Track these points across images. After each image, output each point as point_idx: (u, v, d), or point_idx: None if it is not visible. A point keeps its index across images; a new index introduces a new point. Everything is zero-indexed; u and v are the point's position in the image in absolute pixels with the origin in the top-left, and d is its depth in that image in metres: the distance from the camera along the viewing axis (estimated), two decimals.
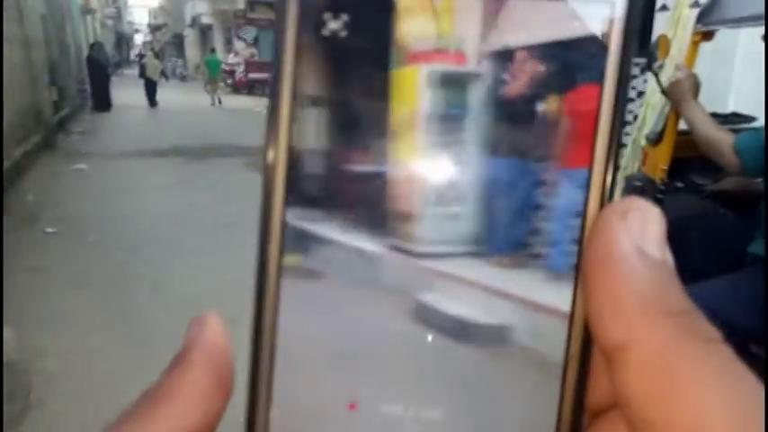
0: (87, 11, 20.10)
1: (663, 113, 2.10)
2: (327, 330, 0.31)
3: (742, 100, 4.11)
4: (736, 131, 2.17)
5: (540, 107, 0.51)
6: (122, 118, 12.54)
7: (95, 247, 4.13)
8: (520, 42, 0.48)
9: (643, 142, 2.38)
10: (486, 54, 0.61)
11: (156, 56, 18.57)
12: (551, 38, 0.45)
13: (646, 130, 4.84)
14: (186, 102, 17.47)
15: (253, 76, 20.49)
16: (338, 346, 0.36)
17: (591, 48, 0.32)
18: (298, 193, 0.32)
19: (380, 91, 0.39)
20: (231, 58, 22.68)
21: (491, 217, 0.68)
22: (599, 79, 0.29)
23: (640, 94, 5.62)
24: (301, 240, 0.37)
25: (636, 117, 5.20)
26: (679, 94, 1.87)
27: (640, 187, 2.09)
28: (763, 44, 1.78)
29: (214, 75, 17.65)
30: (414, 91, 0.82)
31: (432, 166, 0.50)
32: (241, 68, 21.25)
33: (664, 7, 4.79)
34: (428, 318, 0.78)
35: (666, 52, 2.08)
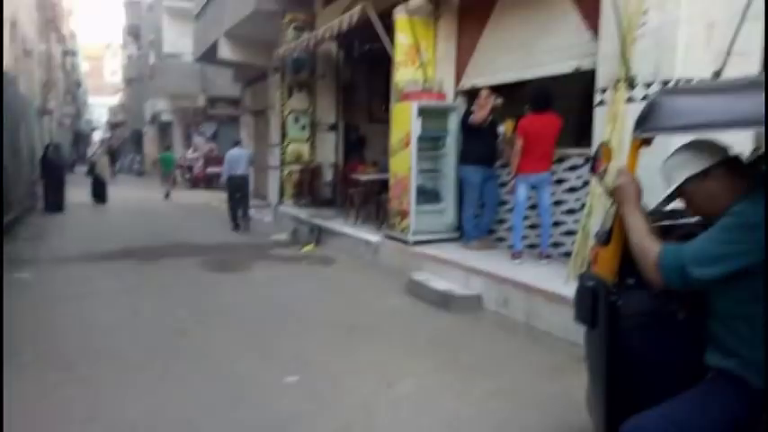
0: (44, 112, 20.10)
1: (609, 213, 2.10)
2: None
3: None
4: (672, 228, 2.19)
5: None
6: (74, 219, 12.21)
7: (28, 368, 3.80)
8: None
9: (592, 241, 2.38)
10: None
11: (108, 154, 19.20)
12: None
13: (593, 220, 4.91)
14: (142, 197, 17.42)
15: (211, 170, 20.57)
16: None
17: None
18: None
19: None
20: (190, 153, 22.81)
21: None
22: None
23: (585, 183, 5.83)
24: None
25: (583, 205, 5.38)
26: (620, 199, 1.88)
27: (592, 288, 2.06)
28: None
29: (168, 170, 18.63)
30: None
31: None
32: (200, 163, 21.34)
33: (601, 102, 5.04)
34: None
35: (609, 159, 2.12)
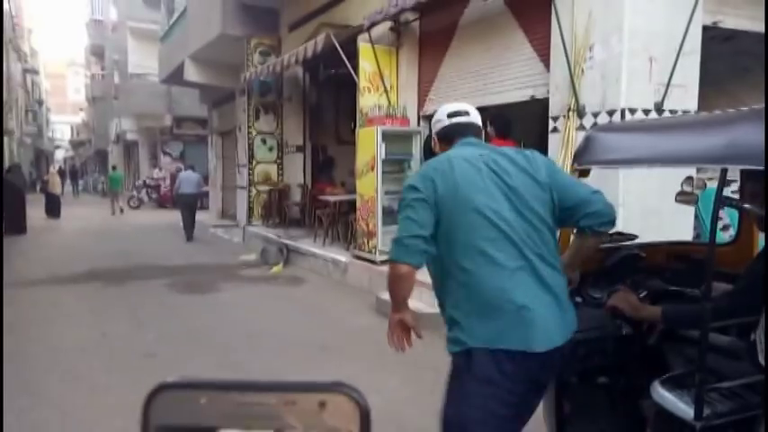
0: (5, 132, 19.70)
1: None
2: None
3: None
4: (618, 249, 2.41)
5: None
6: (37, 241, 12.03)
7: None
8: None
9: None
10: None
11: (60, 173, 21.68)
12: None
13: None
14: (106, 217, 17.37)
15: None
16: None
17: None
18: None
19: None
20: (156, 173, 22.62)
21: None
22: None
23: None
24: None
25: None
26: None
27: None
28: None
29: (115, 188, 19.69)
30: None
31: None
32: (167, 182, 21.17)
33: (555, 129, 5.37)
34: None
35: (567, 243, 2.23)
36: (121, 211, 18.76)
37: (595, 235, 1.97)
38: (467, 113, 2.11)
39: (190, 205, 11.93)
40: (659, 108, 4.88)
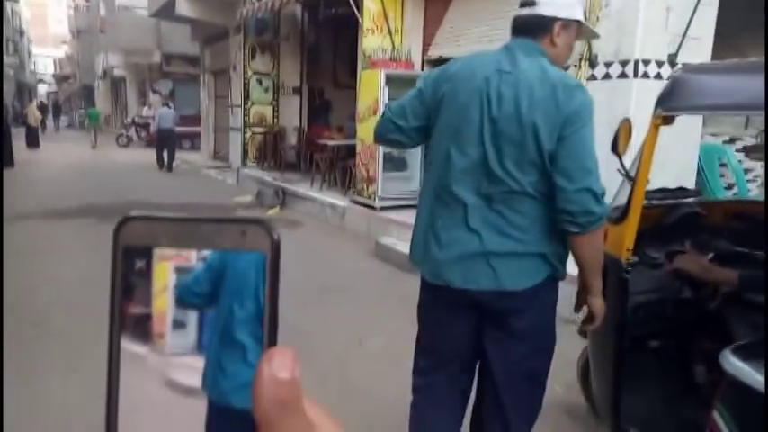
0: None
1: (624, 188, 2.08)
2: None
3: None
4: (677, 206, 2.27)
5: None
6: (26, 175, 11.83)
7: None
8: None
9: None
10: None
11: (41, 108, 23.77)
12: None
13: None
14: (89, 151, 18.17)
15: None
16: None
17: None
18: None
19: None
20: (146, 111, 22.13)
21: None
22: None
23: None
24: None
25: None
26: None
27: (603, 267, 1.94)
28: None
29: (93, 123, 21.17)
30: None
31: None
32: (156, 121, 20.73)
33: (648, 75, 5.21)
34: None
35: (629, 138, 2.02)
36: (93, 146, 19.78)
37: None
38: (530, 4, 1.70)
39: (168, 138, 13.65)
40: (673, 60, 4.81)
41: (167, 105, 14.49)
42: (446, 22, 7.01)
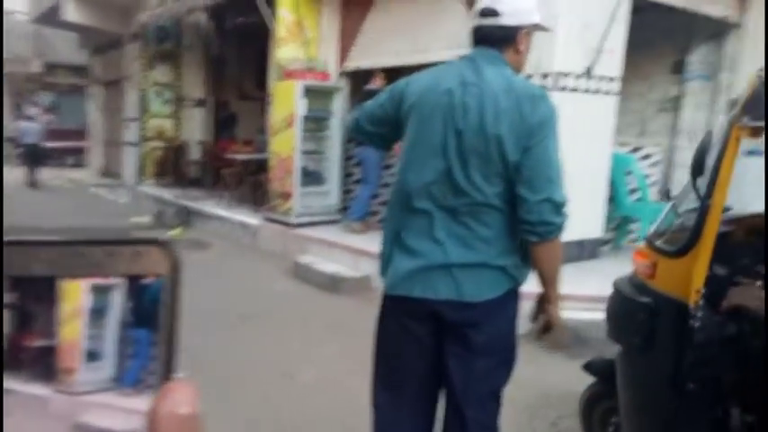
0: None
1: (679, 212, 1.76)
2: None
3: None
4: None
5: None
6: None
7: None
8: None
9: (639, 243, 2.06)
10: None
11: None
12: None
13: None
14: None
15: (50, 145, 18.36)
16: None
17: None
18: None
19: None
20: (23, 125, 20.12)
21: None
22: None
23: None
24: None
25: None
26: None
27: (649, 305, 1.73)
28: None
29: None
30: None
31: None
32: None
33: None
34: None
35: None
36: None
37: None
38: (493, 14, 1.65)
39: (33, 153, 13.11)
40: (589, 73, 4.93)
41: (30, 119, 14.04)
42: (364, 34, 6.84)
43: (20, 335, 0.30)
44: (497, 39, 1.66)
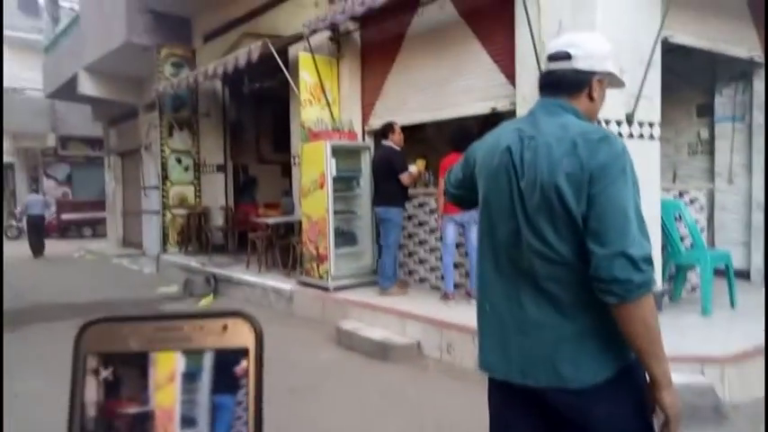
0: None
1: None
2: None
3: None
4: None
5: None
6: None
7: None
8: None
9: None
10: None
11: None
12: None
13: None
14: None
15: (66, 217, 18.49)
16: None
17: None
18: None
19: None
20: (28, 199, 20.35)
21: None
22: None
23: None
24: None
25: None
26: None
27: None
28: None
29: None
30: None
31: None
32: (51, 210, 19.06)
33: None
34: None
35: None
36: None
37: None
38: (565, 57, 1.52)
39: (37, 225, 13.70)
40: (630, 119, 4.85)
41: (35, 191, 15.20)
42: (386, 91, 6.86)
43: (113, 402, 0.31)
44: (568, 84, 1.53)
